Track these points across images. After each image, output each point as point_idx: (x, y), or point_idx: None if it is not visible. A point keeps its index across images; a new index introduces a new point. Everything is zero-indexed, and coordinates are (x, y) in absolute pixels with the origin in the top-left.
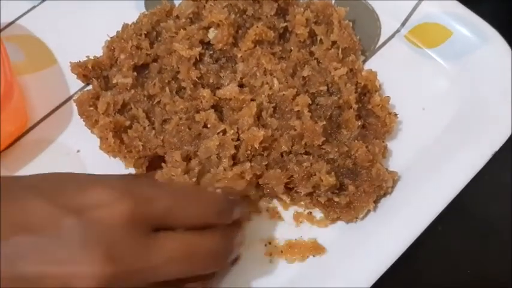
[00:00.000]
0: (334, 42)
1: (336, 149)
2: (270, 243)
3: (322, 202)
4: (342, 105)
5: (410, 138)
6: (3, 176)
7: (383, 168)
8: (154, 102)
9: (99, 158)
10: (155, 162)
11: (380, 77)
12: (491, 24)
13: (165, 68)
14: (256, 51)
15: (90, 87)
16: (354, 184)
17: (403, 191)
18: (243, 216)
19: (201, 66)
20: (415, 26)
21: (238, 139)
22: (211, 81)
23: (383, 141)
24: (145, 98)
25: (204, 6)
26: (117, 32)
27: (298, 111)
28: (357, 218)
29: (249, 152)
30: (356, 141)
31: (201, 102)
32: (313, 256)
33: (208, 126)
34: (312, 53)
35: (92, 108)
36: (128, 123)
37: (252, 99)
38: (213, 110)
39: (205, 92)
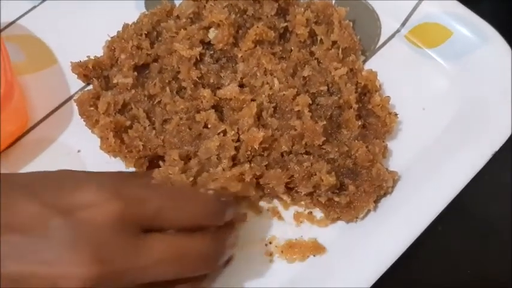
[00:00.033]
0: (334, 42)
1: (336, 149)
2: (270, 243)
3: (323, 202)
4: (342, 105)
5: (411, 138)
6: None
7: (383, 168)
8: (155, 102)
9: (99, 158)
10: (156, 162)
11: (380, 77)
12: (491, 24)
13: (165, 68)
14: (257, 51)
15: (90, 87)
16: (354, 184)
17: (403, 191)
18: (237, 218)
19: (201, 66)
20: (415, 26)
21: (238, 140)
22: (211, 81)
23: (383, 141)
24: (146, 98)
25: (205, 6)
26: (118, 32)
27: (299, 111)
28: (357, 217)
29: (248, 153)
30: (356, 141)
31: (202, 102)
32: (314, 256)
33: (209, 126)
34: (312, 53)
35: (92, 108)
36: (128, 123)
37: (253, 99)
38: (213, 110)
39: (206, 92)
